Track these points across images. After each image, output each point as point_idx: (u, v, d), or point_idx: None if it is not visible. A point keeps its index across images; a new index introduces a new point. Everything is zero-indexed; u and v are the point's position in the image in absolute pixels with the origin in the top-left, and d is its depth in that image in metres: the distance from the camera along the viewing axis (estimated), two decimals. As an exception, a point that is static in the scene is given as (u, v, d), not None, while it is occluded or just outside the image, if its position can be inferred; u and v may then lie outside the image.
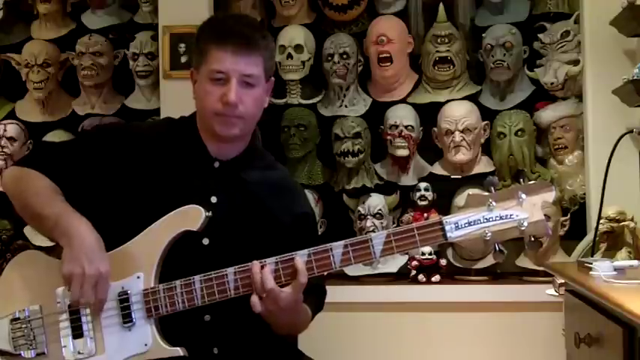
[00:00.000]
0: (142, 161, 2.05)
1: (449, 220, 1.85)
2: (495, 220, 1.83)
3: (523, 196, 1.82)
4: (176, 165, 2.06)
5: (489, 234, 1.83)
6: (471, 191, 3.18)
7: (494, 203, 1.83)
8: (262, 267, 1.89)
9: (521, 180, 1.90)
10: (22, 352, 1.98)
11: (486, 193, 1.86)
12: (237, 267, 1.91)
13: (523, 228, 1.82)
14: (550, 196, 1.83)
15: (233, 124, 2.02)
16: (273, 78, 2.11)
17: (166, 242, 1.94)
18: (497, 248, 1.88)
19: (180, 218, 1.94)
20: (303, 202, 2.24)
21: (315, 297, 2.01)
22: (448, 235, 1.85)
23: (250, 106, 2.02)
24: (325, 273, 1.92)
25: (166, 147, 2.08)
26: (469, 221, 1.84)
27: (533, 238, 1.83)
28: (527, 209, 1.82)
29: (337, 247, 1.89)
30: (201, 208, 1.94)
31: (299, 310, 2.00)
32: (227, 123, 2.02)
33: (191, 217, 1.93)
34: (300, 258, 1.89)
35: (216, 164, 2.08)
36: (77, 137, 2.29)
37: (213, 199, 2.04)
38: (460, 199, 3.33)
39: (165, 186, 2.03)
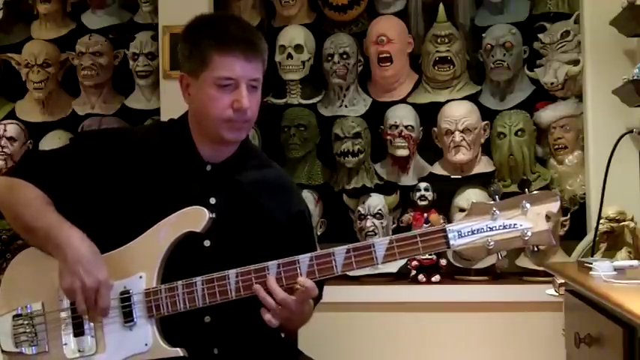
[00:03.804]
0: (134, 166, 2.04)
1: (452, 228, 1.84)
2: (499, 229, 1.82)
3: (527, 205, 1.81)
4: (169, 169, 2.06)
5: (492, 243, 1.82)
6: (473, 195, 3.23)
7: (498, 212, 1.82)
8: (264, 280, 1.89)
9: (526, 189, 1.89)
10: (23, 349, 1.99)
11: (490, 202, 1.85)
12: (238, 269, 1.91)
13: (527, 238, 1.81)
14: (555, 206, 1.82)
15: (242, 128, 2.03)
16: None
17: (169, 243, 1.94)
18: (499, 256, 1.87)
19: (184, 219, 1.95)
20: (299, 200, 2.25)
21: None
22: (451, 242, 1.84)
23: (256, 109, 2.03)
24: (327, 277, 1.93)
25: (158, 151, 2.08)
26: (472, 230, 1.83)
27: (536, 248, 1.83)
28: (532, 219, 1.81)
29: (339, 253, 1.89)
30: (204, 209, 1.94)
31: (306, 309, 2.01)
32: (236, 128, 2.02)
33: (194, 218, 1.94)
34: (303, 265, 1.89)
35: (208, 167, 2.08)
36: (67, 145, 2.28)
37: (212, 201, 2.04)
38: (460, 199, 3.34)
39: (160, 190, 2.03)
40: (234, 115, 1.99)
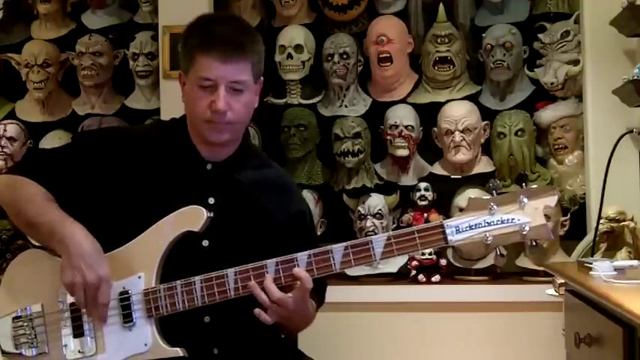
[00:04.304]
0: (134, 165, 2.04)
1: (450, 224, 1.84)
2: (497, 224, 1.82)
3: (525, 200, 1.81)
4: (169, 168, 2.06)
5: (490, 238, 1.82)
6: (473, 195, 3.23)
7: (495, 207, 1.82)
8: (261, 279, 1.89)
9: (524, 184, 1.89)
10: (23, 351, 1.99)
11: (488, 197, 1.85)
12: (237, 268, 1.91)
13: (525, 232, 1.81)
14: (552, 200, 1.82)
15: (222, 130, 2.02)
16: (262, 78, 2.10)
17: (168, 243, 1.94)
18: (498, 252, 1.87)
19: (182, 219, 1.95)
20: (299, 200, 2.24)
21: (317, 291, 2.02)
22: (449, 238, 1.84)
23: (239, 111, 2.01)
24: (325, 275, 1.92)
25: (158, 150, 2.08)
26: (470, 225, 1.83)
27: (534, 243, 1.83)
28: (529, 213, 1.81)
29: (337, 250, 1.89)
30: (202, 208, 1.94)
31: (308, 308, 2.01)
32: (217, 129, 2.01)
33: (193, 217, 1.94)
34: (301, 263, 1.89)
35: (209, 166, 2.08)
36: (69, 143, 2.30)
37: (211, 201, 2.04)
38: (460, 199, 3.33)
39: (160, 189, 2.03)
40: (211, 116, 1.99)
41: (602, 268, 2.09)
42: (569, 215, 3.27)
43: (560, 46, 3.32)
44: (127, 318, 1.93)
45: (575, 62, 3.30)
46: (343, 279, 3.24)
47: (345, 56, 3.47)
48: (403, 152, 3.42)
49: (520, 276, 3.32)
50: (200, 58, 1.98)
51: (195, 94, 2.00)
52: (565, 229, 3.26)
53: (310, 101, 3.56)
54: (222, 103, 1.97)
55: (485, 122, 3.40)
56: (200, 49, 1.99)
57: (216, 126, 2.00)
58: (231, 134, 2.05)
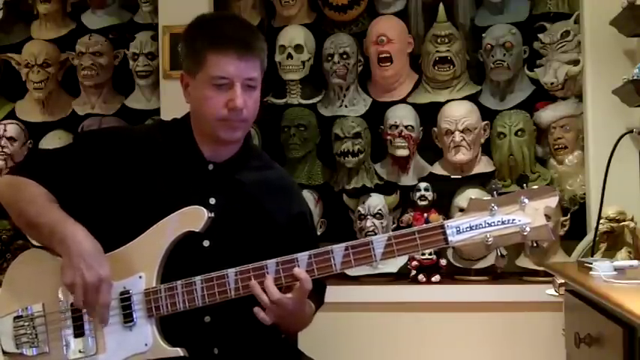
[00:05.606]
0: (136, 165, 2.05)
1: (450, 224, 1.84)
2: (497, 224, 1.82)
3: (526, 200, 1.81)
4: (170, 168, 2.07)
5: (491, 239, 1.82)
6: (473, 195, 3.23)
7: (496, 208, 1.82)
8: (262, 279, 1.89)
9: (524, 185, 1.89)
10: (24, 350, 2.00)
11: (488, 198, 1.85)
12: (237, 268, 1.91)
13: (525, 233, 1.81)
14: (553, 201, 1.82)
15: (237, 128, 2.03)
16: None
17: (169, 243, 1.95)
18: (499, 253, 1.87)
19: (183, 219, 1.95)
20: (300, 202, 2.25)
21: (316, 292, 2.02)
22: (449, 239, 1.84)
23: (252, 108, 2.04)
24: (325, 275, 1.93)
25: (160, 150, 2.09)
26: (470, 225, 1.83)
27: (535, 244, 1.82)
28: (530, 214, 1.81)
29: (338, 250, 1.89)
30: (203, 209, 1.94)
31: (304, 309, 2.01)
32: (232, 127, 2.02)
33: (194, 218, 1.94)
34: (302, 264, 1.89)
35: (211, 167, 2.08)
36: (70, 143, 2.30)
37: (212, 201, 2.04)
38: (460, 199, 3.33)
39: (161, 189, 2.03)
40: (229, 114, 2.00)
41: (602, 268, 2.09)
42: (569, 215, 3.27)
43: (560, 46, 3.32)
44: (128, 318, 1.94)
45: (575, 62, 3.30)
46: (343, 279, 3.24)
47: (345, 56, 3.47)
48: (403, 152, 3.42)
49: (520, 276, 3.31)
50: (214, 57, 1.99)
51: (207, 94, 2.00)
52: (565, 229, 3.25)
53: (310, 101, 3.56)
54: (241, 100, 1.98)
55: (485, 122, 3.40)
56: (213, 48, 1.99)
57: (231, 124, 2.01)
58: (243, 131, 2.07)
